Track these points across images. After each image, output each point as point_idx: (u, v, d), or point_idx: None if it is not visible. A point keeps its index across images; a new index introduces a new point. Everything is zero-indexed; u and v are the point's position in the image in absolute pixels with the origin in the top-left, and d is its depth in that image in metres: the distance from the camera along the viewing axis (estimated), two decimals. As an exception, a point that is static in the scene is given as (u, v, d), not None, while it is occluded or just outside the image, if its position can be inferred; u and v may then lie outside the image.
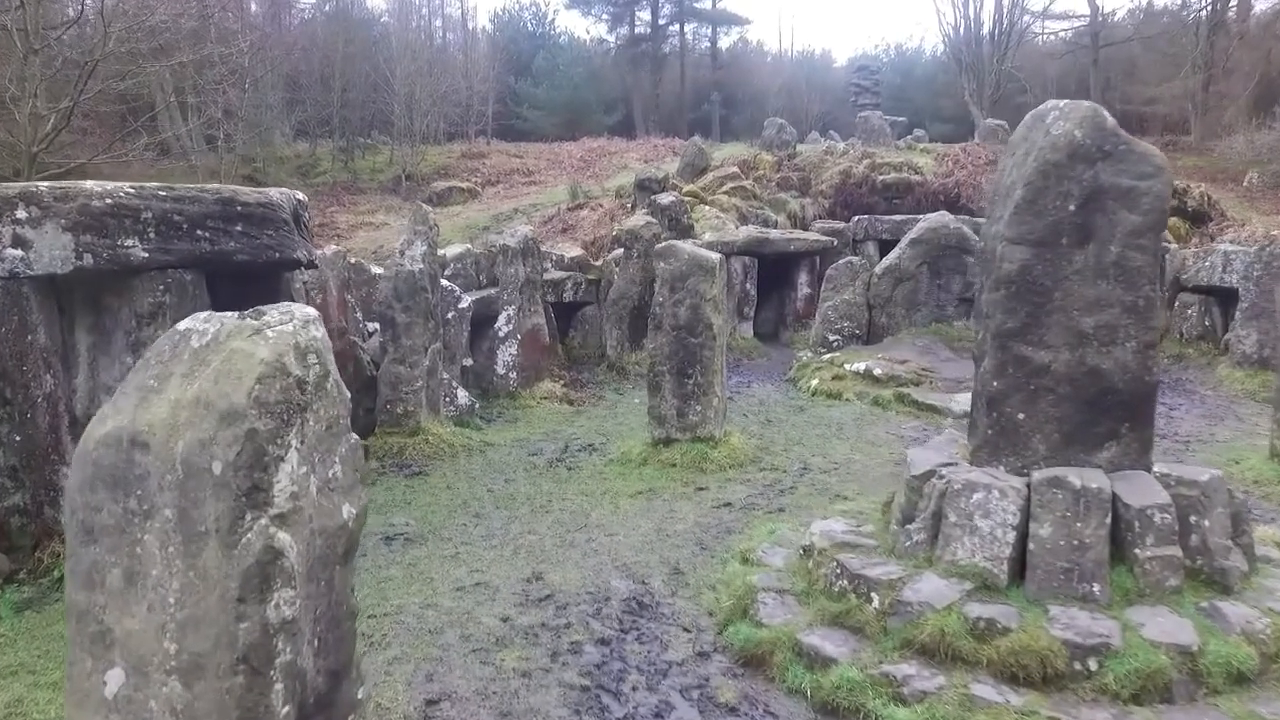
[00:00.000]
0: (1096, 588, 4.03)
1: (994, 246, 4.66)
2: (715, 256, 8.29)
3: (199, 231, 5.28)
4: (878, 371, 11.21)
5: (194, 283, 5.46)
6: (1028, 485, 4.29)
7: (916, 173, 21.83)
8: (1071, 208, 4.33)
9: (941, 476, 4.55)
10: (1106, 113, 4.47)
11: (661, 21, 45.42)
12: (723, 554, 5.95)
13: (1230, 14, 34.47)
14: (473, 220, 24.26)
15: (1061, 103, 4.58)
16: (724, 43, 49.91)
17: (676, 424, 8.36)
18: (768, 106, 39.20)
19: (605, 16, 46.69)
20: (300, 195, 6.81)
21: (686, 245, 8.36)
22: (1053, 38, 42.61)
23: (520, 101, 42.16)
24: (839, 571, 4.55)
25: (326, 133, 33.14)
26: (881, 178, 21.25)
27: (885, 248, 15.70)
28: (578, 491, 7.50)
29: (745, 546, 5.71)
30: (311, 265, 7.23)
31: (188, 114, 20.20)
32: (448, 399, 9.65)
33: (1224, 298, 12.49)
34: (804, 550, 5.08)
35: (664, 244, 8.40)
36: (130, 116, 19.50)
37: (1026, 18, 37.74)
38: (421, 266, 8.87)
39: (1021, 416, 4.52)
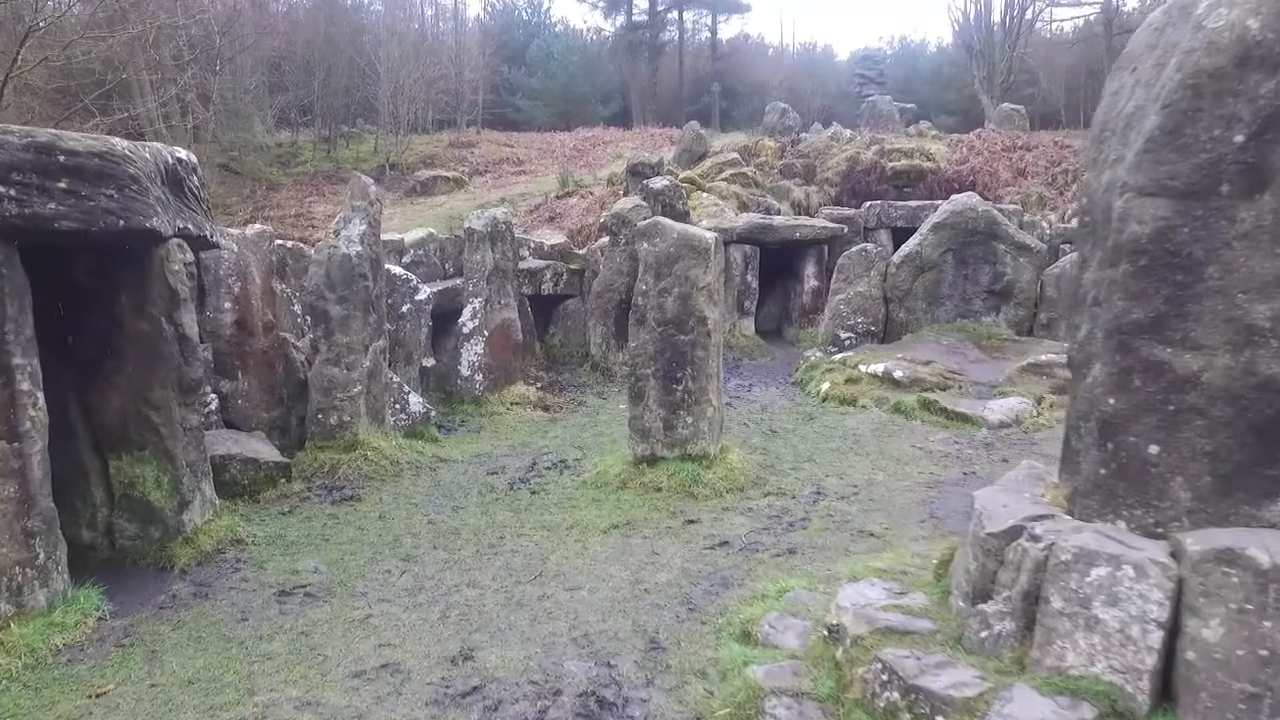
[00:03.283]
0: (1290, 720, 2.60)
1: (1108, 201, 3.21)
2: (710, 235, 6.84)
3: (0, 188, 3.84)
4: (898, 374, 9.76)
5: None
6: (1175, 557, 2.84)
7: (929, 159, 20.42)
8: (1239, 139, 2.88)
9: (1037, 538, 3.10)
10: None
11: (660, 8, 43.91)
12: (716, 620, 4.51)
13: None
14: (457, 210, 22.79)
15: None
16: (724, 33, 48.48)
17: (663, 439, 6.92)
18: (769, 98, 37.93)
19: (601, 3, 45.26)
20: (182, 153, 5.36)
21: (675, 223, 6.91)
22: (1061, 27, 41.24)
23: (513, 91, 40.83)
24: (886, 677, 3.10)
25: (308, 121, 31.71)
26: (892, 164, 19.86)
27: (899, 236, 14.25)
28: (538, 524, 6.05)
29: (748, 615, 4.26)
30: (207, 243, 5.78)
31: (145, 93, 18.68)
32: (397, 406, 8.21)
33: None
34: (830, 632, 3.64)
35: (647, 221, 6.95)
36: (82, 94, 18.02)
37: (1040, 2, 36.25)
38: (359, 249, 7.42)
39: (1154, 450, 3.07)
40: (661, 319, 6.77)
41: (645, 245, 6.80)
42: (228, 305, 7.42)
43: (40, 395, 4.34)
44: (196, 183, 5.50)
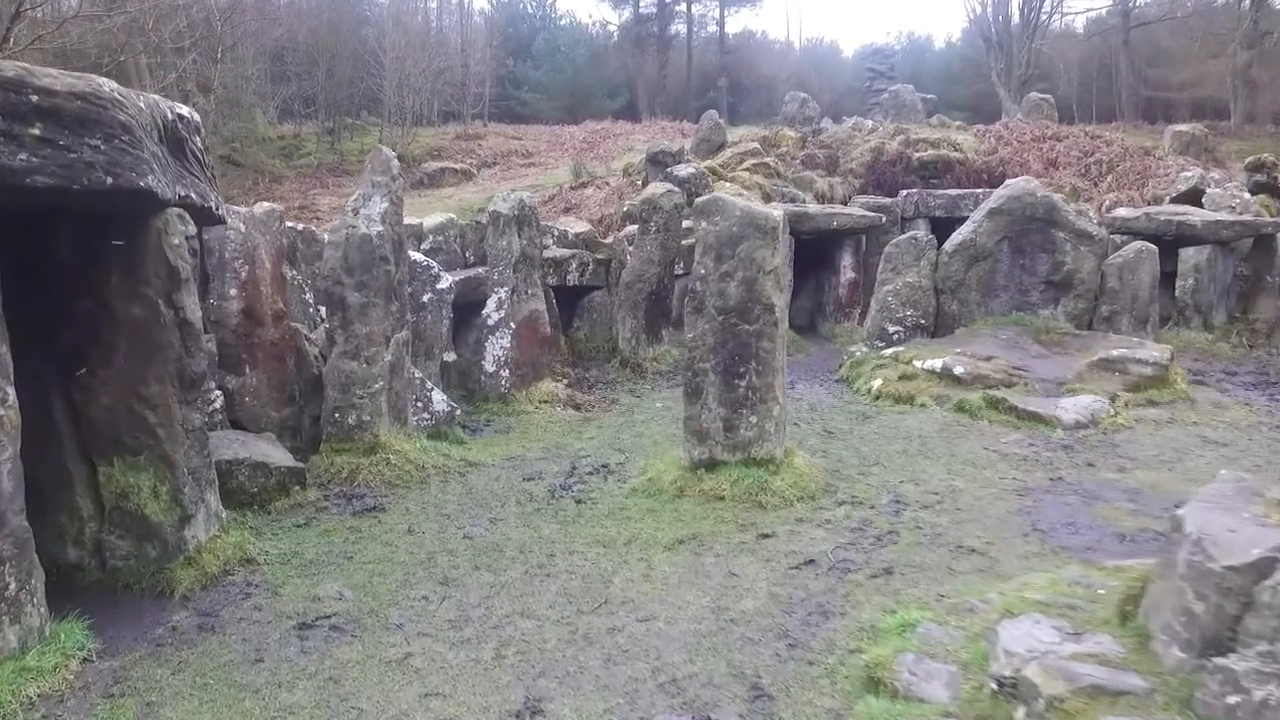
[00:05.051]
0: None
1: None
2: (777, 213, 6.08)
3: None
4: (959, 370, 9.00)
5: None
6: None
7: (956, 150, 19.66)
8: None
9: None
10: None
11: (668, 0, 43.17)
12: (825, 659, 3.75)
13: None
14: (466, 202, 22.09)
15: None
16: (731, 27, 47.75)
17: (723, 441, 6.15)
18: (777, 94, 37.27)
19: (608, -4, 44.50)
20: (185, 110, 4.60)
21: (738, 200, 6.14)
22: (1073, 21, 40.60)
23: (519, 84, 40.18)
24: (1118, 761, 2.34)
25: (312, 112, 30.96)
26: (918, 155, 19.11)
27: (937, 226, 13.51)
28: (591, 539, 5.28)
29: (874, 657, 3.51)
30: (212, 216, 5.02)
31: (144, 78, 17.92)
32: (419, 404, 7.44)
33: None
34: (1001, 685, 2.88)
35: (707, 197, 6.18)
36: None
37: (1059, -7, 35.57)
38: (381, 229, 6.66)
39: None
40: (723, 306, 6.01)
41: (704, 224, 6.03)
42: (233, 292, 6.66)
43: (10, 390, 3.58)
44: (200, 145, 4.73)
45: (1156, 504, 6.04)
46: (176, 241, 4.43)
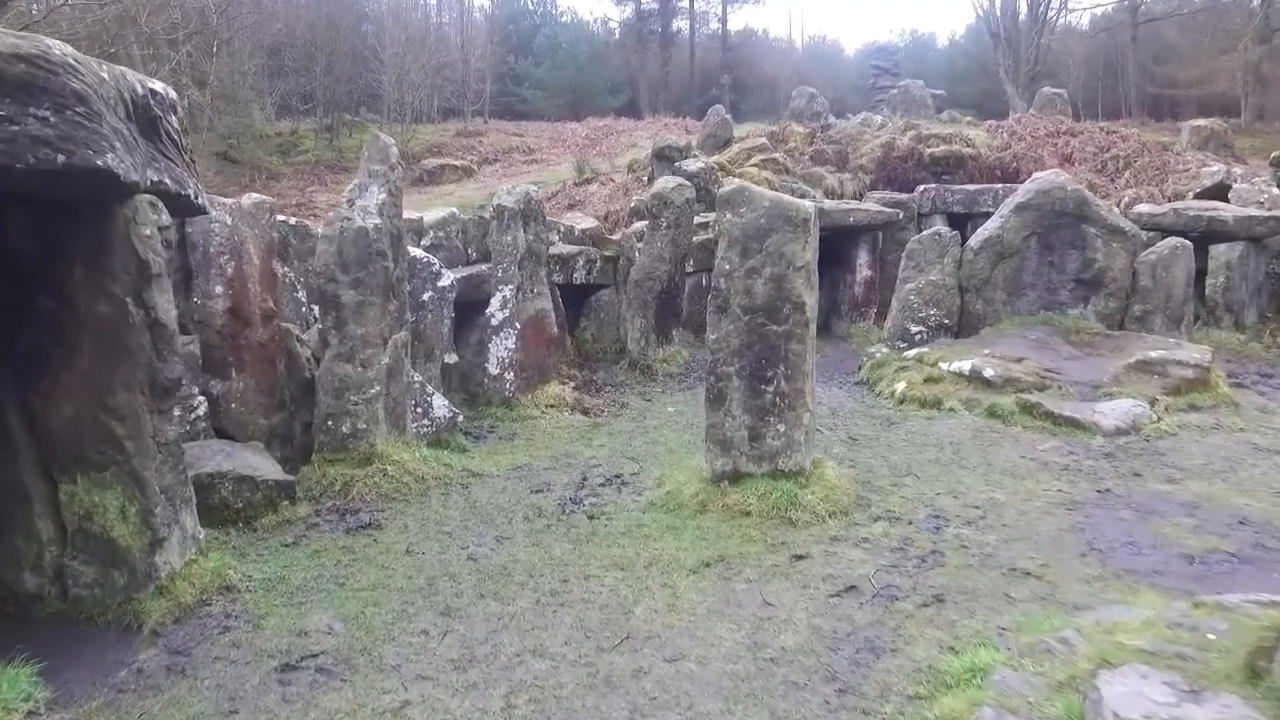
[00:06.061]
0: None
1: None
2: (809, 205, 5.60)
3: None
4: (989, 373, 8.51)
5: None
6: None
7: (969, 145, 19.19)
8: None
9: None
10: None
11: (670, -4, 42.74)
12: (881, 708, 3.28)
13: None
14: (467, 199, 21.59)
15: None
16: (733, 24, 47.28)
17: (748, 451, 5.67)
18: (779, 92, 36.83)
19: (610, -8, 44.04)
20: (158, 85, 4.11)
21: (765, 191, 5.66)
22: (1079, 17, 40.18)
23: (520, 81, 39.71)
24: None
25: (310, 109, 30.47)
26: (930, 150, 18.63)
27: (955, 221, 13.03)
28: (607, 561, 4.80)
29: (943, 710, 3.03)
30: (190, 205, 4.52)
31: (137, 70, 17.40)
32: (419, 410, 6.96)
33: None
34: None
35: (732, 186, 5.69)
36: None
37: (1068, -12, 35.11)
38: (378, 222, 6.17)
39: None
40: (749, 305, 5.53)
41: (729, 216, 5.55)
42: (219, 290, 6.17)
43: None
44: (175, 125, 4.25)
45: (1218, 520, 5.57)
46: (147, 232, 3.94)
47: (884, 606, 4.23)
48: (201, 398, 5.99)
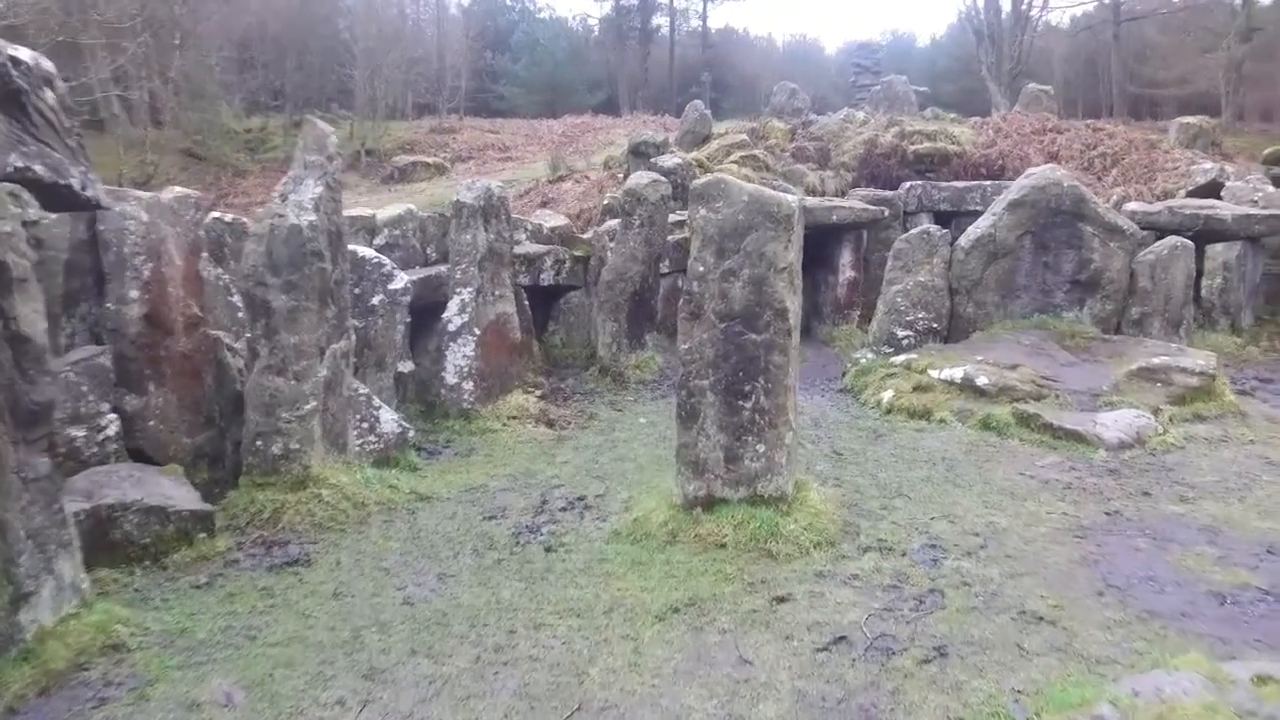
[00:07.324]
0: None
1: None
2: (792, 200, 5.01)
3: None
4: (982, 381, 7.97)
5: None
6: None
7: (954, 142, 18.71)
8: None
9: None
10: None
11: (650, -8, 42.19)
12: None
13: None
14: (438, 198, 20.95)
15: None
16: (714, 22, 46.84)
17: (723, 474, 5.09)
18: (760, 90, 36.37)
19: (589, -12, 43.49)
20: (26, 54, 3.48)
21: (744, 184, 5.07)
22: (1061, 16, 40.00)
23: (497, 78, 39.11)
24: None
25: (279, 105, 29.65)
26: (913, 148, 18.13)
27: (941, 220, 12.51)
28: (562, 605, 4.20)
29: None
30: (75, 199, 3.89)
31: (95, 59, 16.62)
32: (364, 425, 6.33)
33: None
34: None
35: (708, 178, 5.10)
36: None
37: (1051, -15, 34.84)
38: (314, 219, 5.54)
39: None
40: (725, 311, 4.94)
41: (703, 211, 4.96)
42: (134, 294, 5.53)
43: None
44: (52, 102, 3.62)
45: (1242, 548, 5.04)
46: (7, 229, 3.31)
47: (879, 663, 3.65)
48: (113, 415, 5.35)
